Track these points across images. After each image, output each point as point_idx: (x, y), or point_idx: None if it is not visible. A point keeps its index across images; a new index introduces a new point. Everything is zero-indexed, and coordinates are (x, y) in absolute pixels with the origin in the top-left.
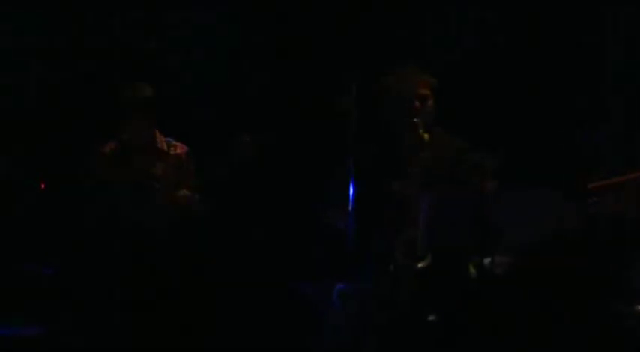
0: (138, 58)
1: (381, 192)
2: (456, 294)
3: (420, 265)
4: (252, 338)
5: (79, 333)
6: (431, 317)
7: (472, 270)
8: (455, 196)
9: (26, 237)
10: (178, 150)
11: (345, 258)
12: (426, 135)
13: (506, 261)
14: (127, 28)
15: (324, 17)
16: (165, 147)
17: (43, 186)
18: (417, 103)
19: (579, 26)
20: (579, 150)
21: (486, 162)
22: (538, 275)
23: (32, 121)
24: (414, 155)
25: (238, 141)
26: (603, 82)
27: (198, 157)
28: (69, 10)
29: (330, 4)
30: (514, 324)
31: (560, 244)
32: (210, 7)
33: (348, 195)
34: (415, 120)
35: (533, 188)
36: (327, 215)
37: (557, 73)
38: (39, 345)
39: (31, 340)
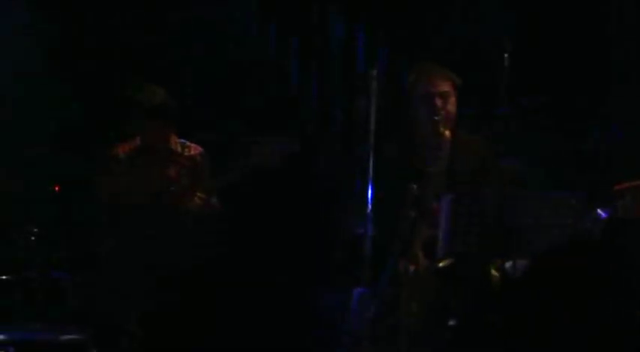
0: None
1: (400, 194)
2: (477, 298)
3: (440, 264)
4: (271, 343)
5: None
6: (451, 322)
7: (494, 273)
8: (476, 197)
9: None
10: (192, 152)
11: (364, 262)
12: (447, 133)
13: (527, 265)
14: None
15: None
16: (179, 149)
17: (57, 188)
18: (439, 101)
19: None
20: (596, 151)
21: (511, 167)
22: (557, 278)
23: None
24: (434, 154)
25: (258, 146)
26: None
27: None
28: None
29: None
30: (533, 328)
31: (581, 247)
32: None
33: (367, 197)
34: (436, 118)
35: (556, 190)
36: (346, 219)
37: (567, 72)
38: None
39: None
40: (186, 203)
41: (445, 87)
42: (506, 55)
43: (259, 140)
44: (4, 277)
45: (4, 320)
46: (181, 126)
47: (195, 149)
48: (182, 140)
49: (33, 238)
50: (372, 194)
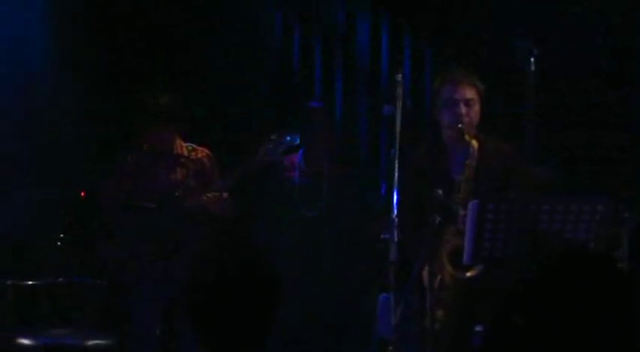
0: None
1: (425, 201)
2: (503, 305)
3: (468, 274)
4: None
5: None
6: (478, 328)
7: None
8: (503, 203)
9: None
10: (199, 154)
11: (390, 268)
12: (474, 142)
13: (553, 271)
14: None
15: None
16: (185, 152)
17: (83, 194)
18: (463, 108)
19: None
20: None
21: (541, 173)
22: (584, 285)
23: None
24: (460, 162)
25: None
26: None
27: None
28: None
29: None
30: (561, 336)
31: (609, 253)
32: None
33: (392, 203)
34: (460, 125)
35: (587, 194)
36: (372, 225)
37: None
38: None
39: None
40: (194, 204)
41: (470, 94)
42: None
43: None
44: (30, 282)
45: (30, 326)
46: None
47: (202, 152)
48: (189, 144)
49: (59, 243)
50: (397, 199)
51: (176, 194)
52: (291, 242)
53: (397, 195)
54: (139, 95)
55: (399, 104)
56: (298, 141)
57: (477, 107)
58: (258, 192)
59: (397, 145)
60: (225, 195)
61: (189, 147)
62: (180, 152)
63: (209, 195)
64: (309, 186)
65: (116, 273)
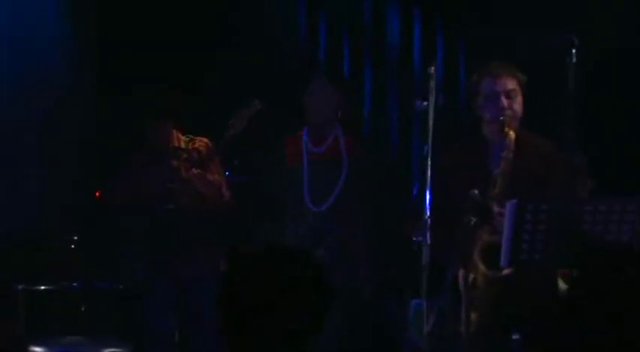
0: None
1: (460, 201)
2: (542, 309)
3: (503, 273)
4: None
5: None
6: (515, 336)
7: (561, 284)
8: (542, 202)
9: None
10: (197, 144)
11: (422, 271)
12: (511, 133)
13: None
14: None
15: None
16: (182, 145)
17: (98, 194)
18: (505, 100)
19: None
20: None
21: (581, 160)
22: (625, 288)
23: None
24: (499, 157)
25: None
26: None
27: None
28: None
29: None
30: (601, 343)
31: None
32: None
33: (425, 204)
34: (501, 118)
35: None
36: (404, 227)
37: None
38: None
39: None
40: (192, 191)
41: (511, 84)
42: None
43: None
44: (42, 287)
45: (42, 333)
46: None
47: (200, 141)
48: (189, 135)
49: (73, 246)
50: (430, 199)
51: (169, 185)
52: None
53: (430, 195)
54: (136, 90)
55: (432, 99)
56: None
57: (519, 98)
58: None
59: (430, 142)
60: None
61: (187, 139)
62: (177, 145)
63: (195, 171)
64: (321, 174)
65: (130, 276)
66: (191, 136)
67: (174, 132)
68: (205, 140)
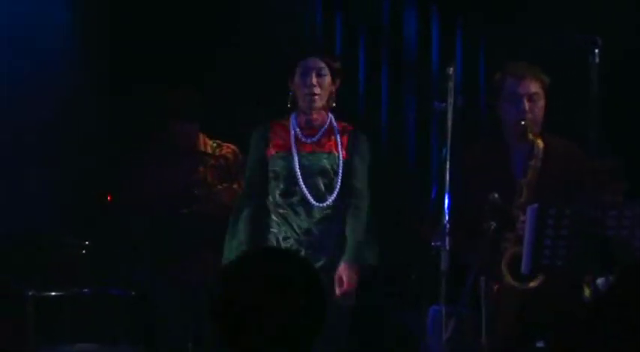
0: None
1: (480, 204)
2: (566, 318)
3: (530, 285)
4: None
5: None
6: (539, 344)
7: (586, 291)
8: (565, 207)
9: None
10: (224, 151)
11: (441, 278)
12: (539, 142)
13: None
14: None
15: None
16: (209, 150)
17: (109, 198)
18: (527, 103)
19: None
20: None
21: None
22: None
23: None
24: (522, 162)
25: None
26: None
27: None
28: None
29: None
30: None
31: None
32: None
33: (443, 207)
34: (522, 122)
35: None
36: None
37: None
38: None
39: None
40: (217, 202)
41: (534, 87)
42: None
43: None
44: (52, 293)
45: (52, 340)
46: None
47: (227, 148)
48: (217, 141)
49: (83, 251)
50: (449, 203)
51: (195, 192)
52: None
53: (449, 198)
54: (160, 90)
55: (451, 100)
56: None
57: (541, 102)
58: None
59: (449, 144)
60: (236, 185)
61: (214, 144)
62: (204, 149)
63: (221, 185)
64: (314, 162)
65: (141, 281)
66: (219, 142)
67: (202, 136)
68: (232, 147)
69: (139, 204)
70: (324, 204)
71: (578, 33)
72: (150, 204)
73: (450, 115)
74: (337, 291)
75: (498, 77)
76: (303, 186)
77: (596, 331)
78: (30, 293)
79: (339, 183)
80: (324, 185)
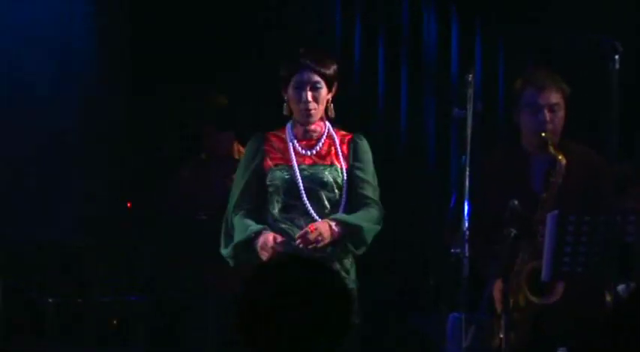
0: None
1: (499, 211)
2: (586, 325)
3: (549, 300)
4: None
5: None
6: (561, 350)
7: (607, 298)
8: (585, 213)
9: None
10: None
11: (460, 285)
12: (562, 158)
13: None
14: None
15: None
16: None
17: (129, 205)
18: (547, 114)
19: None
20: None
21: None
22: None
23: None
24: (542, 174)
25: None
26: None
27: None
28: None
29: None
30: None
31: None
32: None
33: (463, 214)
34: (543, 134)
35: None
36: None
37: None
38: None
39: None
40: None
41: (555, 98)
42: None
43: None
44: (73, 300)
45: (74, 346)
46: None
47: None
48: None
49: (104, 258)
50: (469, 210)
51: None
52: None
53: (468, 205)
54: (195, 96)
55: (470, 106)
56: None
57: (561, 113)
58: None
59: (468, 152)
60: None
61: None
62: (238, 157)
63: None
64: (316, 175)
65: (169, 289)
66: None
67: (236, 144)
68: None
69: (176, 211)
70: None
71: (599, 38)
72: (186, 211)
73: (469, 122)
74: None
75: (518, 86)
76: (306, 201)
77: (618, 338)
78: (50, 300)
79: (344, 198)
80: (328, 199)
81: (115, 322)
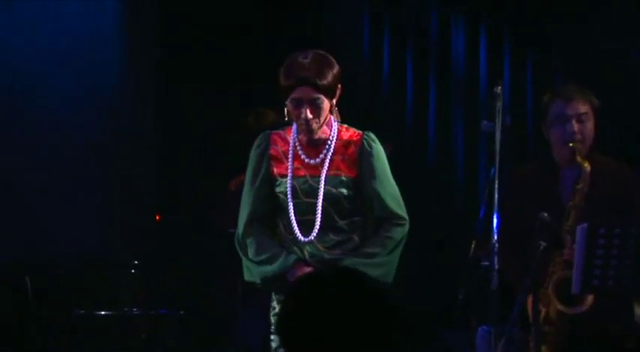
0: None
1: (529, 224)
2: (617, 338)
3: (579, 310)
4: None
5: None
6: None
7: (637, 311)
8: (615, 226)
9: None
10: None
11: (490, 298)
12: (586, 165)
13: None
14: None
15: None
16: None
17: (158, 218)
18: (576, 125)
19: None
20: None
21: None
22: None
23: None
24: (571, 186)
25: None
26: None
27: None
28: None
29: None
30: None
31: None
32: None
33: (492, 227)
34: (570, 144)
35: None
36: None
37: None
38: None
39: None
40: None
41: (583, 108)
42: None
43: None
44: (102, 312)
45: None
46: None
47: None
48: None
49: (133, 271)
50: (498, 222)
51: None
52: None
53: (497, 218)
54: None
55: (499, 119)
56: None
57: (590, 124)
58: None
59: (497, 164)
60: None
61: None
62: None
63: None
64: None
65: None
66: None
67: None
68: None
69: (227, 224)
70: (315, 232)
71: (628, 50)
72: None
73: (498, 135)
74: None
75: (547, 99)
76: (316, 215)
77: None
78: (80, 312)
79: (347, 208)
80: (337, 212)
81: (143, 335)
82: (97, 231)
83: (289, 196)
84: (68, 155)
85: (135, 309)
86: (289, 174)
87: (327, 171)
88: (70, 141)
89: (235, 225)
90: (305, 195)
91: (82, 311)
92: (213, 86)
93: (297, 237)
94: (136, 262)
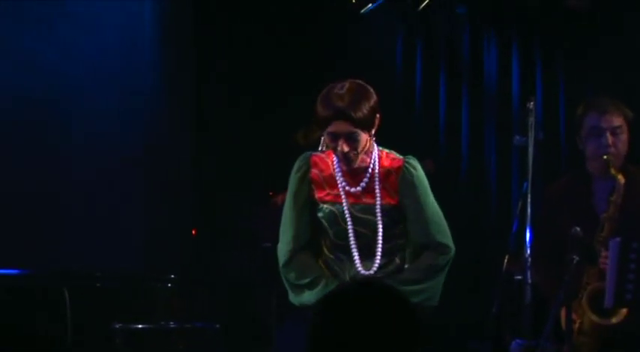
0: None
1: (563, 238)
2: None
3: (612, 321)
4: None
5: None
6: None
7: None
8: None
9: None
10: None
11: (523, 312)
12: (620, 177)
13: None
14: None
15: None
16: None
17: (194, 232)
18: (610, 137)
19: None
20: None
21: None
22: None
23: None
24: (605, 198)
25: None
26: None
27: None
28: None
29: None
30: None
31: None
32: None
33: (525, 240)
34: (605, 157)
35: None
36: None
37: None
38: None
39: None
40: None
41: (617, 121)
42: None
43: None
44: (139, 326)
45: None
46: None
47: None
48: None
49: (170, 285)
50: (531, 236)
51: None
52: None
53: (530, 233)
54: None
55: (531, 134)
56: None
57: (624, 136)
58: None
59: (529, 179)
60: None
61: None
62: None
63: None
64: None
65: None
66: None
67: None
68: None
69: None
70: (376, 264)
71: None
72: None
73: (530, 150)
74: None
75: (580, 111)
76: (353, 243)
77: None
78: (118, 326)
79: (389, 234)
80: (377, 239)
81: (180, 348)
82: (134, 245)
83: (349, 224)
84: (105, 168)
85: (171, 323)
86: (343, 202)
87: (368, 199)
88: (108, 154)
89: (276, 240)
90: (344, 222)
91: (120, 325)
92: (252, 99)
93: (358, 270)
94: (172, 276)
